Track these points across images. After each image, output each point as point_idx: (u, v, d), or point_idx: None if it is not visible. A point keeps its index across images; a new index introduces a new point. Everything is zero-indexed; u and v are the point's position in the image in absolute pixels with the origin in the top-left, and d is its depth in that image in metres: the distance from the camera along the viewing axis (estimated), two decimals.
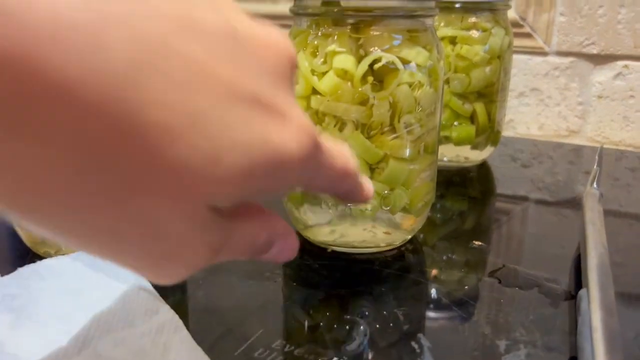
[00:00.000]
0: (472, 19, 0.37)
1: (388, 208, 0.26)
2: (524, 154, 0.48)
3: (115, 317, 0.20)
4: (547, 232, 0.33)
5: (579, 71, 0.49)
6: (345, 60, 0.24)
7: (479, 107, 0.39)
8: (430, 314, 0.23)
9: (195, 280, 0.25)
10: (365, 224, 0.27)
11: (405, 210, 0.26)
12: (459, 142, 0.39)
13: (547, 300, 0.23)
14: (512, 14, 0.50)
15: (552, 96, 0.51)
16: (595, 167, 0.30)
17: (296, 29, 0.26)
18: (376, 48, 0.24)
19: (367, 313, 0.22)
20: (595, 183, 0.28)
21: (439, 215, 0.34)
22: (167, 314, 0.21)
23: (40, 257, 0.26)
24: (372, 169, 0.25)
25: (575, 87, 0.50)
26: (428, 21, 0.26)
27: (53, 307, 0.20)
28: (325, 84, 0.24)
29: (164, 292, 0.22)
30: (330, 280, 0.25)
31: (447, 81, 0.38)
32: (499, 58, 0.38)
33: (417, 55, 0.24)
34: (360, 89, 0.24)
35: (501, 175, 0.43)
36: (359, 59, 0.24)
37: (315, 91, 0.24)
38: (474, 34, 0.37)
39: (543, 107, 0.51)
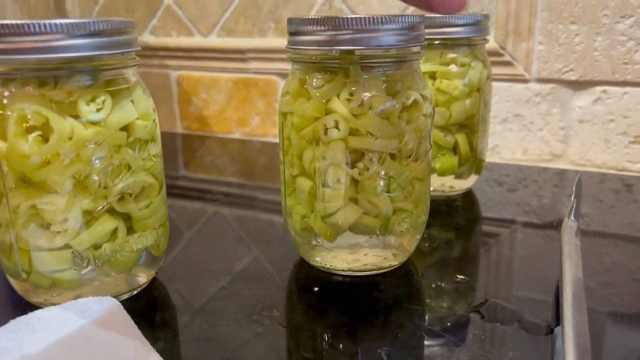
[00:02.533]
0: (451, 55, 0.38)
1: (417, 226, 0.29)
2: (510, 179, 0.49)
3: None
4: (534, 254, 0.34)
5: (559, 97, 0.51)
6: (382, 101, 0.26)
7: (461, 139, 0.40)
8: (413, 351, 0.23)
9: (184, 327, 0.25)
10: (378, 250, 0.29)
11: (416, 227, 0.29)
12: (442, 173, 0.40)
13: (527, 336, 0.24)
14: (492, 43, 0.51)
15: (535, 121, 0.52)
16: (572, 198, 0.30)
17: (300, 76, 0.28)
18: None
19: (355, 349, 0.23)
20: (572, 215, 0.29)
21: (426, 244, 0.35)
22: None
23: (32, 305, 0.26)
24: (404, 191, 0.28)
25: (557, 112, 0.51)
26: (420, 62, 0.29)
27: (44, 359, 0.21)
28: (366, 124, 0.26)
29: (154, 339, 0.22)
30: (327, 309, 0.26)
31: None
32: (479, 90, 0.39)
33: (425, 89, 0.28)
34: (399, 125, 0.27)
35: (488, 199, 0.44)
36: (393, 95, 0.27)
37: (354, 131, 0.26)
38: (453, 68, 0.38)
39: (526, 133, 0.53)
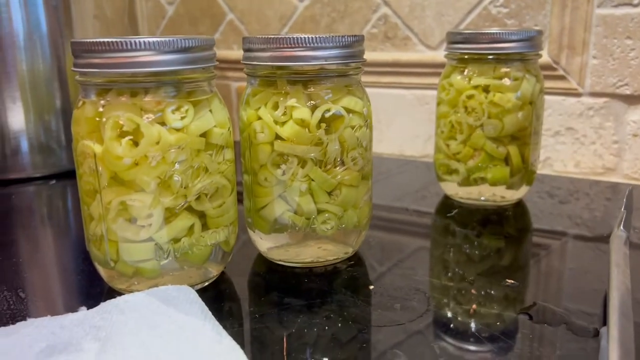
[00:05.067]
0: (504, 69, 0.40)
1: (343, 226, 0.31)
2: (561, 191, 0.50)
3: (184, 347, 0.23)
4: (584, 267, 0.34)
5: (613, 111, 0.51)
6: (302, 112, 0.29)
7: (513, 150, 0.41)
8: (465, 350, 0.25)
9: (247, 317, 0.28)
10: (319, 243, 0.32)
11: (354, 226, 0.32)
12: (494, 183, 0.42)
13: (574, 337, 0.25)
14: (545, 57, 0.52)
15: (588, 135, 0.52)
16: (622, 209, 0.31)
17: (253, 87, 0.31)
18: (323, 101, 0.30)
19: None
20: (622, 225, 0.29)
21: (476, 252, 0.36)
22: (229, 343, 0.24)
23: (116, 292, 0.29)
24: (330, 195, 0.31)
25: (610, 126, 0.51)
26: (358, 77, 0.32)
27: (132, 337, 0.24)
28: (287, 131, 0.29)
29: (224, 324, 0.25)
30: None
31: (480, 126, 0.40)
32: (531, 104, 0.40)
33: (355, 104, 0.30)
34: (316, 134, 0.29)
35: (539, 210, 0.44)
36: (312, 110, 0.29)
37: (278, 137, 0.30)
38: (506, 82, 0.40)
39: (579, 146, 0.53)
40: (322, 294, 0.30)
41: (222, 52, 0.72)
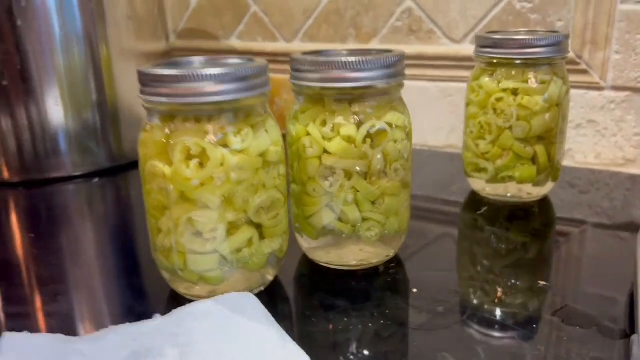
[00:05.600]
0: (532, 73, 0.41)
1: (386, 232, 0.34)
2: (582, 181, 0.52)
3: (254, 352, 0.26)
4: (606, 254, 0.37)
5: (634, 104, 0.52)
6: (349, 129, 0.32)
7: (540, 149, 0.43)
8: (505, 345, 0.28)
9: (299, 319, 0.30)
10: (362, 246, 0.35)
11: (396, 232, 0.35)
12: (522, 181, 0.44)
13: (605, 340, 0.27)
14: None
15: (609, 127, 0.54)
16: None
17: (301, 104, 0.33)
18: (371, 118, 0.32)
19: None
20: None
21: (503, 246, 0.39)
22: (293, 347, 0.26)
23: (178, 295, 0.32)
24: (373, 204, 0.33)
25: (631, 119, 0.53)
26: (400, 93, 0.34)
27: (208, 343, 0.26)
28: (335, 147, 0.32)
29: (280, 326, 0.27)
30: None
31: (509, 127, 0.42)
32: (558, 105, 0.42)
33: (397, 119, 0.33)
34: (362, 149, 0.32)
35: (560, 200, 0.47)
36: (357, 126, 0.32)
37: (325, 151, 0.32)
38: (534, 85, 0.41)
39: (600, 138, 0.55)
40: (365, 295, 0.32)
41: (246, 44, 0.73)
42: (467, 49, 0.59)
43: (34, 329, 0.30)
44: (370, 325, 0.29)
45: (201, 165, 0.28)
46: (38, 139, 0.56)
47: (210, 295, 0.30)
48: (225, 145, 0.28)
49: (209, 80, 0.27)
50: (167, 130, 0.29)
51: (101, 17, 0.56)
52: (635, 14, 0.50)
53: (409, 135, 0.34)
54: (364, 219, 0.33)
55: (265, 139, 0.30)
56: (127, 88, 0.59)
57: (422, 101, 0.63)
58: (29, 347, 0.26)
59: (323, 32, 0.67)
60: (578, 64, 0.54)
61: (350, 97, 0.32)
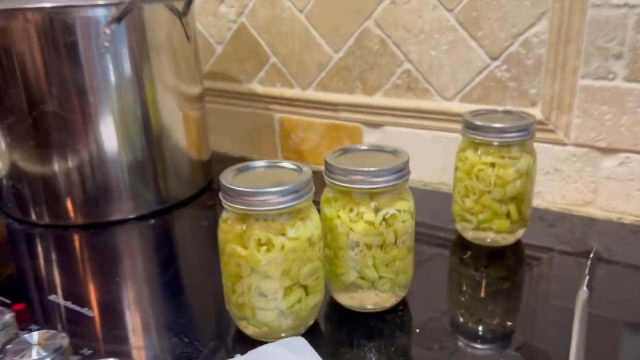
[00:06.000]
0: (506, 152, 0.53)
1: (396, 286, 0.46)
2: (550, 216, 0.65)
3: None
4: (570, 276, 0.50)
5: (591, 158, 0.65)
6: (369, 216, 0.44)
7: (512, 208, 0.55)
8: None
9: (333, 350, 0.43)
10: (377, 292, 0.47)
11: (404, 284, 0.47)
12: (498, 232, 0.56)
13: None
14: (539, 115, 0.65)
15: (571, 175, 0.66)
16: (586, 272, 0.46)
17: (333, 193, 0.45)
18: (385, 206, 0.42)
19: None
20: (585, 286, 0.44)
21: (485, 289, 0.51)
22: None
23: (247, 336, 0.44)
24: (387, 267, 0.45)
25: (589, 170, 0.65)
26: (406, 185, 0.45)
27: None
28: (359, 227, 0.44)
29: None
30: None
31: (489, 191, 0.54)
32: (527, 174, 0.54)
33: (404, 205, 0.45)
34: (379, 229, 0.44)
35: (533, 231, 0.59)
36: (375, 212, 0.44)
37: (352, 229, 0.44)
38: (508, 160, 0.53)
39: (564, 183, 0.67)
40: (379, 332, 0.45)
41: (266, 89, 0.85)
42: (456, 106, 0.71)
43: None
44: (382, 354, 0.42)
45: (268, 250, 0.40)
46: (99, 184, 0.67)
47: (268, 335, 0.42)
48: (283, 235, 0.40)
49: (273, 195, 0.39)
50: (243, 227, 0.40)
51: (148, 67, 0.66)
52: (592, 88, 0.62)
53: (412, 215, 0.46)
54: (380, 277, 0.45)
55: (311, 227, 0.42)
56: (171, 130, 0.70)
57: (418, 145, 0.74)
58: None
59: (334, 84, 0.79)
60: (547, 124, 0.66)
61: (370, 193, 0.44)
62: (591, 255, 0.48)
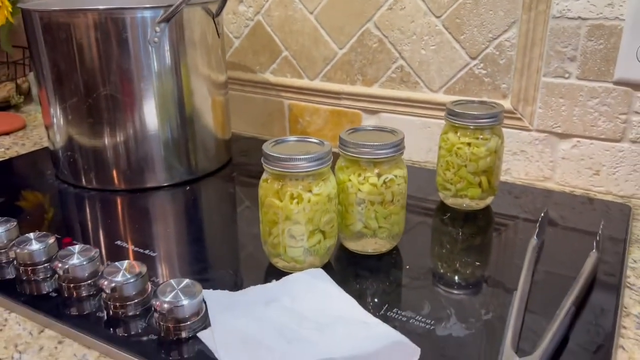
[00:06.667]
0: (479, 133, 0.67)
1: (392, 234, 0.60)
2: (516, 189, 0.79)
3: (328, 299, 0.52)
4: (526, 238, 0.64)
5: (550, 142, 0.79)
6: (373, 179, 0.57)
7: (484, 179, 0.69)
8: (451, 292, 0.54)
9: (342, 279, 0.57)
10: (378, 240, 0.60)
11: (397, 234, 0.60)
12: (471, 198, 0.70)
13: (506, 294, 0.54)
14: (508, 105, 0.79)
15: (534, 155, 0.81)
16: (537, 226, 0.60)
17: (345, 161, 0.59)
18: (386, 172, 0.56)
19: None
20: (535, 236, 0.58)
21: (460, 236, 0.65)
22: (346, 296, 0.52)
23: (277, 270, 0.57)
24: (385, 219, 0.58)
25: (548, 151, 0.80)
26: (401, 157, 0.58)
27: (305, 295, 0.52)
28: (365, 188, 0.57)
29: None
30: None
31: (465, 165, 0.68)
32: (495, 152, 0.68)
33: (399, 171, 0.58)
34: (380, 189, 0.57)
35: (502, 202, 0.73)
36: (378, 177, 0.57)
37: (359, 190, 0.57)
38: (481, 141, 0.67)
39: (528, 162, 0.81)
40: (378, 268, 0.59)
41: (278, 79, 0.98)
42: (441, 97, 0.84)
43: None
44: (377, 285, 0.56)
45: (298, 202, 0.54)
46: (141, 156, 0.80)
47: (294, 269, 0.56)
48: (310, 191, 0.54)
49: (302, 161, 0.53)
50: (279, 184, 0.54)
51: (184, 58, 0.79)
52: (552, 84, 0.76)
53: (405, 180, 0.59)
54: (380, 227, 0.59)
55: (329, 186, 0.55)
56: (201, 113, 0.83)
57: (409, 130, 0.88)
58: (219, 296, 0.52)
59: (338, 75, 0.92)
60: (515, 113, 0.80)
61: (374, 162, 0.57)
62: (542, 215, 0.63)
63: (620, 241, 0.63)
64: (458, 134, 0.69)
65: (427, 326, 0.49)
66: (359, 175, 0.58)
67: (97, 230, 0.69)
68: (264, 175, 0.56)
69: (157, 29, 0.73)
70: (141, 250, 0.62)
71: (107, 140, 0.78)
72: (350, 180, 0.58)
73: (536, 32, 0.75)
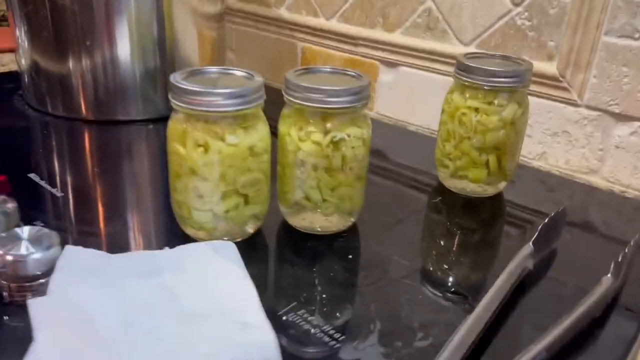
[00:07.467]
0: (493, 97, 0.51)
1: (340, 211, 0.46)
2: (551, 180, 0.62)
3: (220, 278, 0.39)
4: None
5: (603, 123, 0.60)
6: (317, 136, 0.43)
7: (492, 158, 0.53)
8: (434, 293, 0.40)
9: (270, 259, 0.43)
10: (326, 216, 0.46)
11: (348, 212, 0.47)
12: (474, 181, 0.54)
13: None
14: (553, 70, 0.61)
15: (579, 139, 0.62)
16: (539, 227, 0.44)
17: (289, 109, 0.45)
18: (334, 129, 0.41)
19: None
20: (532, 242, 0.42)
21: (447, 228, 0.50)
22: (249, 283, 0.39)
23: (186, 234, 0.45)
24: (332, 191, 0.45)
25: (599, 135, 0.61)
26: (363, 111, 0.44)
27: (194, 268, 0.40)
28: (306, 147, 0.43)
29: (252, 265, 0.40)
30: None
31: (468, 137, 0.52)
32: (512, 124, 0.51)
33: (355, 131, 0.43)
34: (326, 151, 0.43)
35: (530, 194, 0.57)
36: (324, 134, 0.43)
37: (300, 149, 0.43)
38: (492, 107, 0.51)
39: (570, 147, 0.63)
40: (320, 255, 0.45)
41: (293, 16, 0.84)
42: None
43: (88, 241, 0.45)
44: (318, 274, 0.42)
45: (205, 152, 0.41)
46: (110, 85, 0.70)
47: (207, 237, 0.44)
48: (222, 140, 0.41)
49: (217, 96, 0.39)
50: (185, 125, 0.41)
51: None
52: (615, 46, 0.57)
53: (365, 144, 0.45)
54: (324, 200, 0.45)
55: (254, 137, 0.42)
56: (184, 45, 0.72)
57: (430, 90, 0.72)
58: (81, 256, 0.40)
59: (357, 15, 0.77)
60: (560, 81, 0.61)
61: (322, 113, 0.43)
62: (551, 215, 0.46)
63: None
64: (466, 95, 0.52)
65: (331, 342, 0.35)
66: (301, 129, 0.44)
67: (26, 161, 0.60)
68: (172, 114, 0.43)
69: None
70: (49, 188, 0.52)
71: (71, 63, 0.69)
72: (289, 134, 0.44)
73: None
